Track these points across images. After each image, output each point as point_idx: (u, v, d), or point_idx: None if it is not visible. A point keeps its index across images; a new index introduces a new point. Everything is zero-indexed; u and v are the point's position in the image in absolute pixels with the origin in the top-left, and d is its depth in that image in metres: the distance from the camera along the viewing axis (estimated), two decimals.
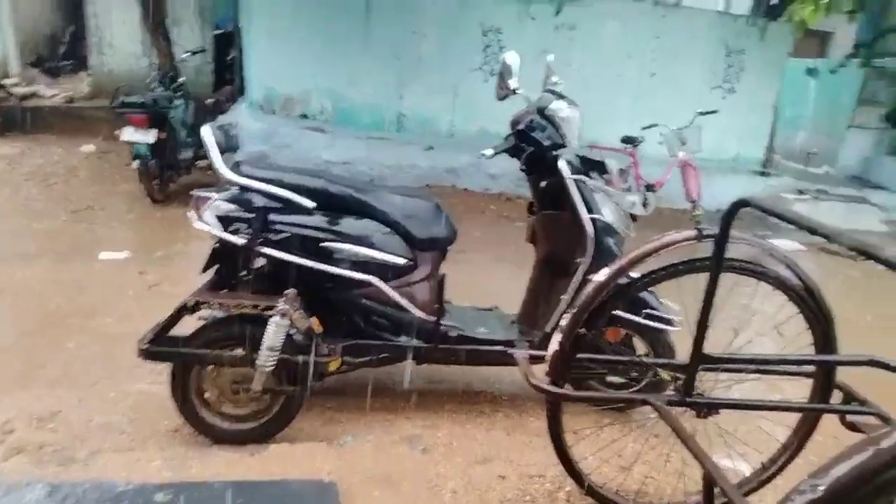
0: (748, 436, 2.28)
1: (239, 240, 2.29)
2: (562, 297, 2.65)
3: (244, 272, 2.34)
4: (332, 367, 2.39)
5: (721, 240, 1.76)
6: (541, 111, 2.60)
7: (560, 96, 2.68)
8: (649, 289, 2.24)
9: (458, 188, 7.15)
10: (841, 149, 9.82)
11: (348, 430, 2.50)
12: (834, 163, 9.91)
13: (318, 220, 2.40)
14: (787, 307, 1.98)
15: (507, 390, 2.99)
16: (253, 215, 2.31)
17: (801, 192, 8.19)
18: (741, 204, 1.69)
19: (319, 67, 7.62)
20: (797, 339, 2.03)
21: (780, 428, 2.17)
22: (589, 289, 1.86)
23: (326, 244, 2.37)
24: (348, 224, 2.42)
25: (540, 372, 1.96)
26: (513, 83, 2.49)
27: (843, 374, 2.00)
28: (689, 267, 1.88)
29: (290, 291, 2.24)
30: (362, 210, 2.46)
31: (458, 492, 2.16)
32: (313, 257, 2.35)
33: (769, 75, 8.68)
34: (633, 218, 2.89)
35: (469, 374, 3.02)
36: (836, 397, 2.01)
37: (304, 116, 7.79)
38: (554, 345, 1.88)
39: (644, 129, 6.57)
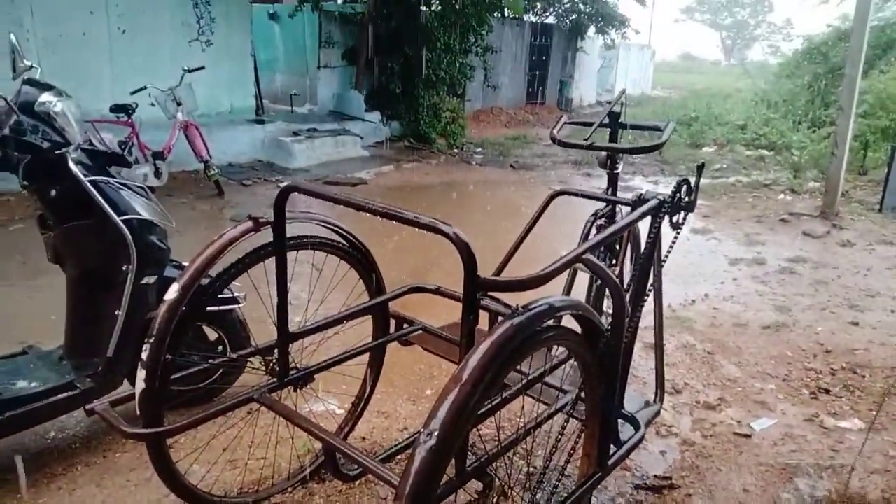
0: (337, 381, 2.52)
1: None
2: (116, 312, 2.35)
3: None
4: None
5: (278, 225, 1.83)
6: (26, 108, 2.12)
7: (44, 86, 2.22)
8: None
9: None
10: (317, 87, 10.99)
11: None
12: (315, 101, 11.06)
13: None
14: (344, 265, 2.22)
15: (76, 433, 2.55)
16: None
17: (296, 133, 8.93)
18: (289, 190, 1.77)
19: None
20: (358, 287, 2.30)
21: (358, 367, 2.46)
22: (162, 311, 1.70)
23: None
24: None
25: (126, 410, 1.74)
26: None
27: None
28: (257, 257, 1.89)
29: None
30: None
31: None
32: None
33: (239, 23, 8.98)
34: (152, 189, 2.69)
35: (15, 436, 2.44)
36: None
37: None
38: (140, 383, 1.67)
39: (133, 93, 6.07)
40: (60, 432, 2.53)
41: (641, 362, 3.36)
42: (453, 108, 11.29)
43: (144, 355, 1.67)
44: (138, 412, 1.70)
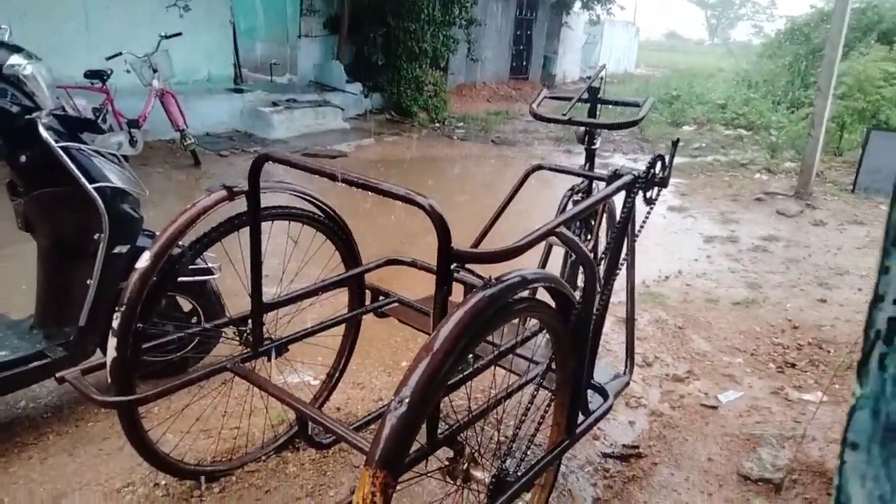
0: (313, 352, 2.54)
1: None
2: (87, 281, 2.32)
3: None
4: None
5: (252, 195, 1.82)
6: None
7: (13, 48, 2.16)
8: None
9: None
10: (297, 57, 10.80)
11: None
12: (295, 70, 10.88)
13: None
14: (320, 236, 2.22)
15: (47, 402, 2.53)
16: None
17: (275, 104, 8.80)
18: (263, 159, 1.76)
19: None
20: (334, 259, 2.30)
21: (334, 338, 2.47)
22: (133, 279, 1.69)
23: None
24: None
25: (98, 378, 1.74)
26: None
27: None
28: (231, 226, 1.88)
29: None
30: None
31: None
32: None
33: None
34: (126, 159, 2.65)
35: None
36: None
37: None
38: (111, 352, 1.67)
39: (109, 59, 5.93)
40: (31, 402, 2.52)
41: (614, 336, 3.42)
42: (435, 82, 11.20)
43: (115, 324, 1.67)
44: (109, 380, 1.70)
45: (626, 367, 2.39)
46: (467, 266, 1.57)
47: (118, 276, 2.34)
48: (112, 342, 1.67)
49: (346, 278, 2.28)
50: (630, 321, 2.38)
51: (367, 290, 2.37)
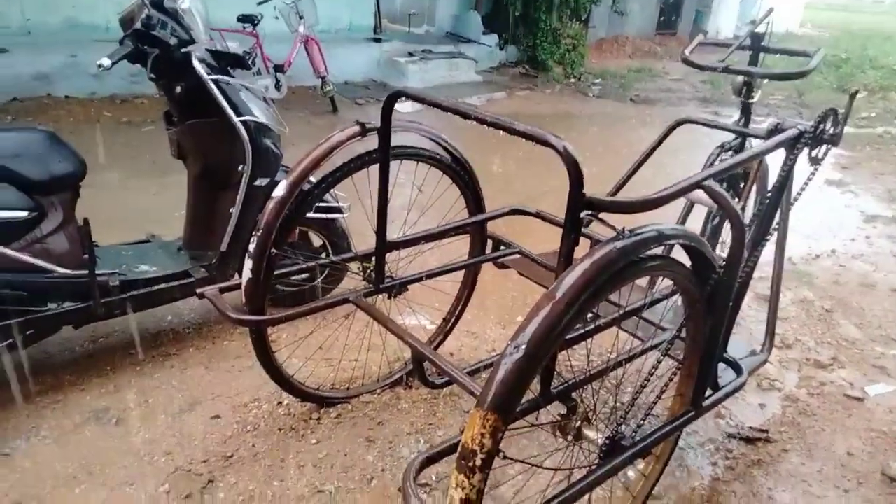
0: (430, 297, 2.55)
1: None
2: (230, 210, 2.48)
3: None
4: None
5: (383, 132, 1.82)
6: (157, 4, 2.20)
7: None
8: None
9: (57, 97, 5.83)
10: (436, 7, 10.77)
11: (11, 435, 2.03)
12: (432, 22, 10.87)
13: None
14: (445, 179, 2.19)
15: (189, 319, 2.76)
16: None
17: (411, 54, 8.86)
18: (396, 95, 1.74)
19: None
20: (458, 204, 2.28)
21: (452, 284, 2.46)
22: (270, 207, 1.76)
23: None
24: None
25: (233, 300, 1.85)
26: None
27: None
28: (361, 163, 1.90)
29: None
30: None
31: (172, 452, 1.97)
32: None
33: None
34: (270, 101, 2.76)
35: (138, 317, 2.68)
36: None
37: None
38: (246, 273, 1.76)
39: (259, 4, 6.19)
40: (176, 317, 2.75)
41: (750, 312, 3.16)
42: (574, 35, 10.73)
43: (251, 247, 1.75)
44: (243, 300, 1.80)
45: (763, 344, 2.20)
46: (600, 216, 1.47)
47: (258, 208, 2.47)
48: (248, 264, 1.76)
49: (468, 224, 2.25)
50: (774, 295, 2.18)
51: (488, 239, 2.33)
